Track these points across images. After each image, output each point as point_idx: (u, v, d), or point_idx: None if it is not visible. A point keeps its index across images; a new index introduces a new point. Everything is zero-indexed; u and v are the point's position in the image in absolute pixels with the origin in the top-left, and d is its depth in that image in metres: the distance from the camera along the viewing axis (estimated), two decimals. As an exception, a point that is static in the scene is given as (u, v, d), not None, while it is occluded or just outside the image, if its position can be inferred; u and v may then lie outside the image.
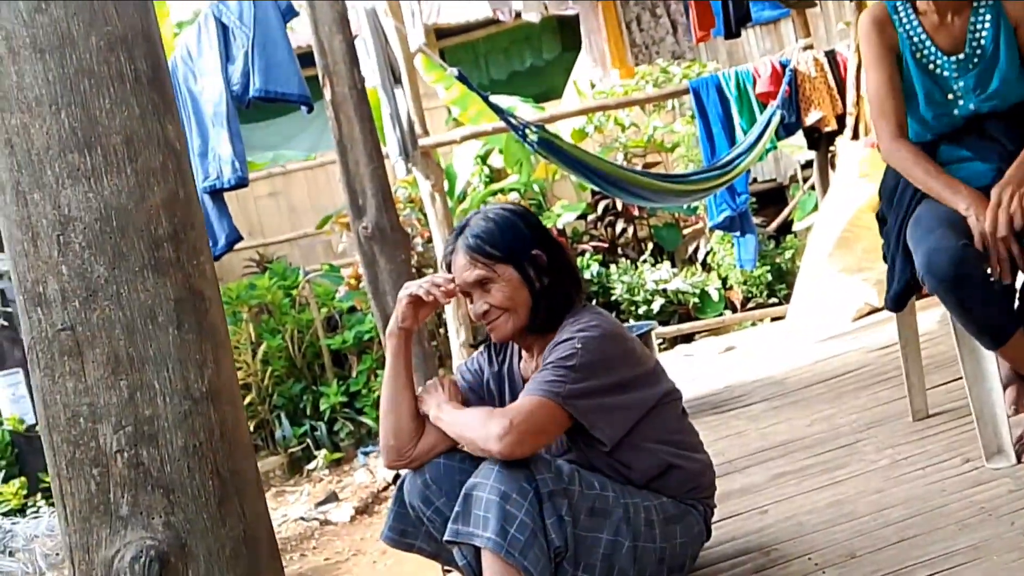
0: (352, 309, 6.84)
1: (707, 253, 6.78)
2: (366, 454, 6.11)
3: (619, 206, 6.83)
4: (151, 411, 1.24)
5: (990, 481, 2.19)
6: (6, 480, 5.76)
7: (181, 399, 1.26)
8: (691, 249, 6.99)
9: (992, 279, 2.14)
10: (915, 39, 2.38)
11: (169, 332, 1.25)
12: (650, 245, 6.94)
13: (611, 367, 1.87)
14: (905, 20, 2.40)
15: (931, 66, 2.36)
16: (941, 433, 2.61)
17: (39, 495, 5.94)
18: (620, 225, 6.95)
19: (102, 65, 1.24)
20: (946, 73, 2.35)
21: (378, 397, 6.30)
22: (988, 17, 2.33)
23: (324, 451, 6.20)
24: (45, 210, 1.22)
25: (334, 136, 3.65)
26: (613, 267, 6.63)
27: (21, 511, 5.77)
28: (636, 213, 6.89)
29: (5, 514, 5.69)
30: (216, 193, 3.98)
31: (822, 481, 2.50)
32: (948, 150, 2.38)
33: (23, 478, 5.82)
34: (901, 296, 2.45)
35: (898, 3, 2.42)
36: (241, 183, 3.84)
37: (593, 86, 7.03)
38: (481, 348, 2.15)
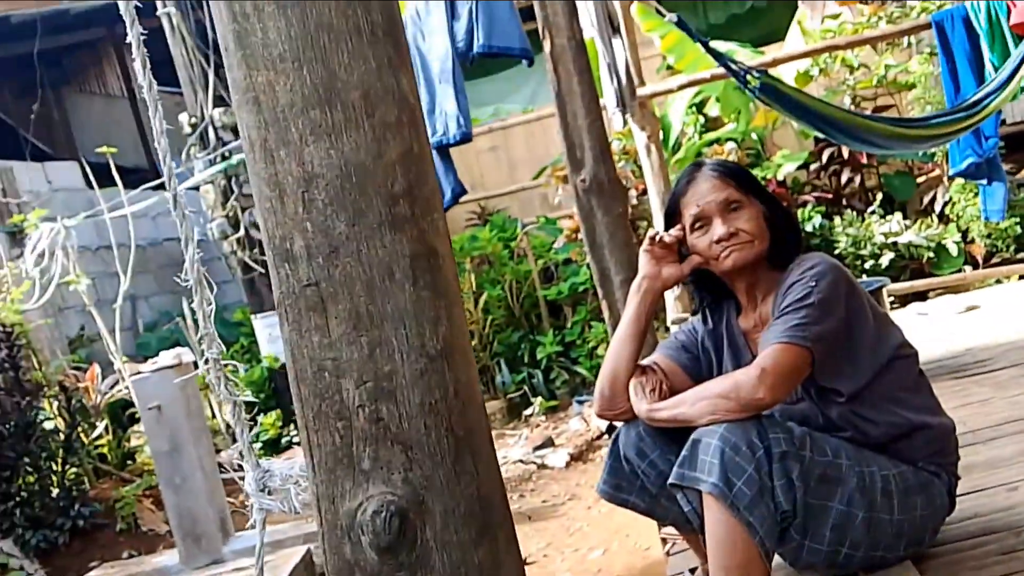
0: (568, 261, 6.94)
1: (945, 203, 6.26)
2: (581, 403, 6.23)
3: (845, 154, 6.43)
4: (390, 367, 1.23)
5: None
6: (265, 412, 6.41)
7: (418, 356, 1.23)
8: (926, 199, 6.48)
9: None
10: None
11: (406, 289, 1.23)
12: (879, 195, 6.50)
13: (847, 305, 1.79)
14: None
15: None
16: None
17: (291, 426, 6.59)
18: (846, 174, 6.55)
19: (340, 19, 1.21)
20: None
21: (592, 348, 6.46)
22: None
23: (540, 398, 6.38)
24: (290, 167, 1.21)
25: (553, 89, 3.69)
26: (837, 219, 6.28)
27: (277, 441, 6.44)
28: (864, 161, 6.47)
29: (264, 443, 6.38)
30: (442, 148, 4.17)
31: None
32: None
33: (279, 411, 6.39)
34: None
35: None
36: (466, 138, 3.99)
37: (823, 21, 6.62)
38: (695, 315, 2.09)
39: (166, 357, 4.25)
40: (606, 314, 4.05)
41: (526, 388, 6.49)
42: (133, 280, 6.56)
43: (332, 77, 1.21)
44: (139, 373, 4.25)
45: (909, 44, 6.61)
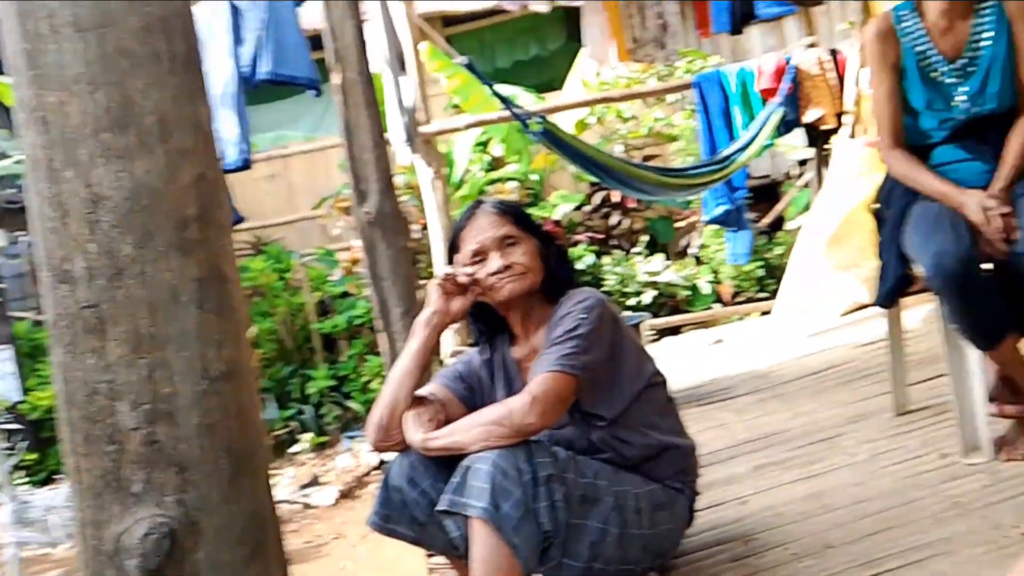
0: (345, 294, 6.84)
1: (699, 247, 6.85)
2: (351, 438, 6.11)
3: (615, 198, 6.88)
4: (169, 389, 1.23)
5: (965, 476, 2.25)
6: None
7: (199, 378, 1.25)
8: (683, 243, 7.06)
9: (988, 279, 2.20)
10: (919, 48, 2.43)
11: (191, 312, 1.24)
12: (644, 237, 7.01)
13: (611, 337, 1.93)
14: (910, 28, 2.44)
15: (933, 74, 2.42)
16: (920, 428, 2.67)
17: (21, 473, 5.96)
18: (615, 217, 7.01)
19: (140, 45, 1.22)
20: (948, 80, 2.40)
21: (366, 382, 6.38)
22: (990, 19, 2.37)
23: (310, 434, 6.23)
24: (77, 188, 1.21)
25: (341, 121, 3.69)
26: (607, 258, 6.69)
27: None
28: (631, 205, 6.95)
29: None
30: (220, 173, 4.01)
31: (802, 473, 2.56)
32: (946, 151, 2.44)
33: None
34: (892, 293, 2.53)
35: (904, 11, 2.45)
36: (245, 165, 3.88)
37: (599, 75, 7.07)
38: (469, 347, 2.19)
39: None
40: (385, 347, 4.04)
41: (295, 424, 6.32)
42: None
43: (128, 101, 1.22)
44: None
45: (675, 100, 7.23)
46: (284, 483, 5.60)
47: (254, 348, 6.43)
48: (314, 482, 5.52)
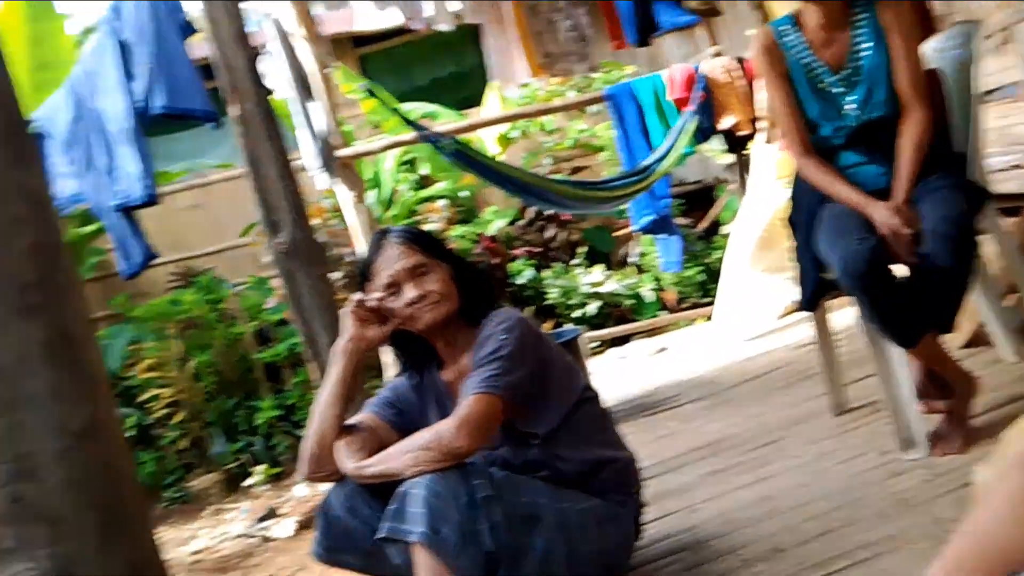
0: (283, 322, 6.70)
1: (639, 255, 6.83)
2: (306, 468, 5.99)
3: (549, 211, 6.83)
4: (29, 448, 1.25)
5: (905, 472, 2.26)
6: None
7: (59, 435, 1.27)
8: (622, 252, 7.03)
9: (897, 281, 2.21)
10: (803, 60, 2.47)
11: (42, 373, 1.27)
12: (583, 248, 6.96)
13: (536, 354, 1.93)
14: (792, 43, 2.48)
15: (820, 85, 2.45)
16: (860, 427, 2.68)
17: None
18: (551, 230, 6.96)
19: None
20: (835, 90, 2.44)
21: (314, 410, 6.23)
22: (866, 29, 2.41)
23: (263, 466, 6.07)
24: None
25: (243, 152, 3.57)
26: (547, 271, 6.63)
27: None
28: (567, 218, 6.91)
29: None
30: (127, 210, 3.86)
31: (750, 478, 2.56)
32: (846, 156, 2.48)
33: None
34: (814, 297, 2.55)
35: (784, 26, 2.50)
36: (151, 200, 3.74)
37: (525, 86, 7.03)
38: (397, 374, 2.16)
39: None
40: (316, 375, 3.92)
41: (247, 456, 6.16)
42: None
43: None
44: None
45: (597, 111, 7.20)
46: (240, 517, 5.45)
47: (195, 381, 6.25)
48: (271, 514, 5.37)
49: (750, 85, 4.55)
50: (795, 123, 2.47)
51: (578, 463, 1.96)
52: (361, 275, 2.06)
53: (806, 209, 2.48)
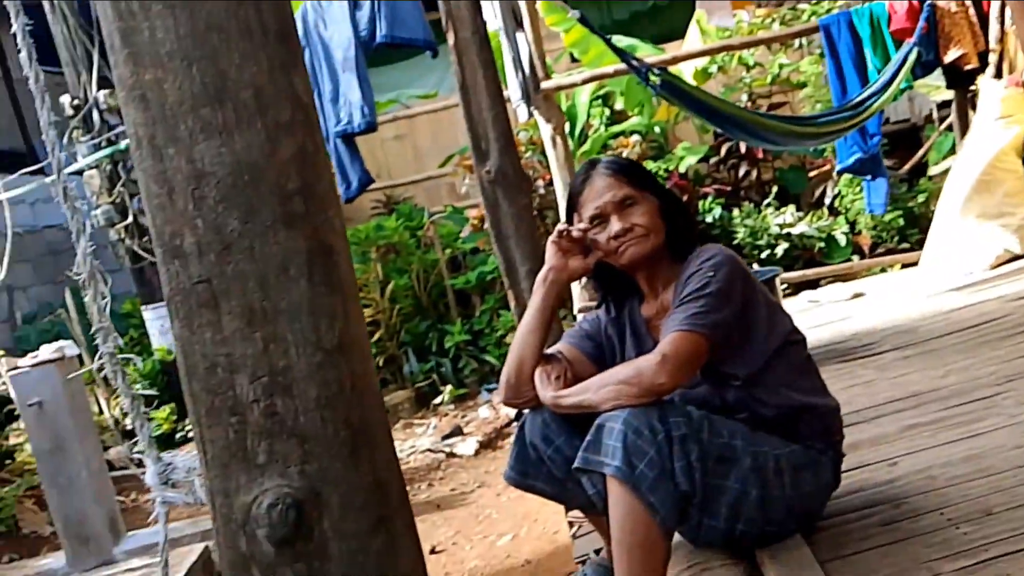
0: (475, 250, 6.95)
1: (834, 197, 6.55)
2: (489, 391, 6.25)
3: (742, 148, 6.65)
4: (285, 362, 1.23)
5: None
6: (158, 406, 6.17)
7: (313, 351, 1.24)
8: (817, 193, 6.77)
9: None
10: None
11: (300, 285, 1.23)
12: (774, 188, 6.76)
13: (743, 293, 1.87)
14: None
15: None
16: None
17: (186, 420, 6.40)
18: (743, 168, 6.77)
19: (230, 20, 1.21)
20: None
21: (500, 336, 6.50)
22: None
23: (449, 387, 6.40)
24: (180, 165, 1.21)
25: (457, 82, 3.71)
26: (736, 211, 6.49)
27: (171, 435, 6.19)
28: (760, 156, 6.71)
29: (158, 438, 6.20)
30: (347, 137, 4.13)
31: (958, 434, 2.43)
32: None
33: (172, 404, 6.19)
34: None
35: None
36: (370, 127, 3.96)
37: (736, 19, 6.83)
38: (596, 307, 2.15)
39: (47, 351, 4.08)
40: (512, 304, 4.09)
41: (435, 377, 6.49)
42: (10, 270, 6.23)
43: (222, 76, 1.21)
44: (17, 368, 4.08)
45: (801, 45, 6.89)
46: (428, 433, 5.76)
47: (392, 304, 6.65)
48: (456, 432, 5.64)
49: (982, 15, 4.23)
50: None
51: (779, 407, 1.91)
52: (568, 206, 2.04)
53: None
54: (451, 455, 5.38)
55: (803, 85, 6.65)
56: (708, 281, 1.83)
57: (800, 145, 5.10)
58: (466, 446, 5.40)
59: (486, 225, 6.55)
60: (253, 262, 1.22)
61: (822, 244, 6.27)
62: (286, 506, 1.20)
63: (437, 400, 6.31)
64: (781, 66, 6.67)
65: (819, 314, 4.66)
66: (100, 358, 1.44)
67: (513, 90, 4.67)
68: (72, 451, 4.08)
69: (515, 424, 5.57)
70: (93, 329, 1.41)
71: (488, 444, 5.47)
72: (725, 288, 1.83)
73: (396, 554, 1.29)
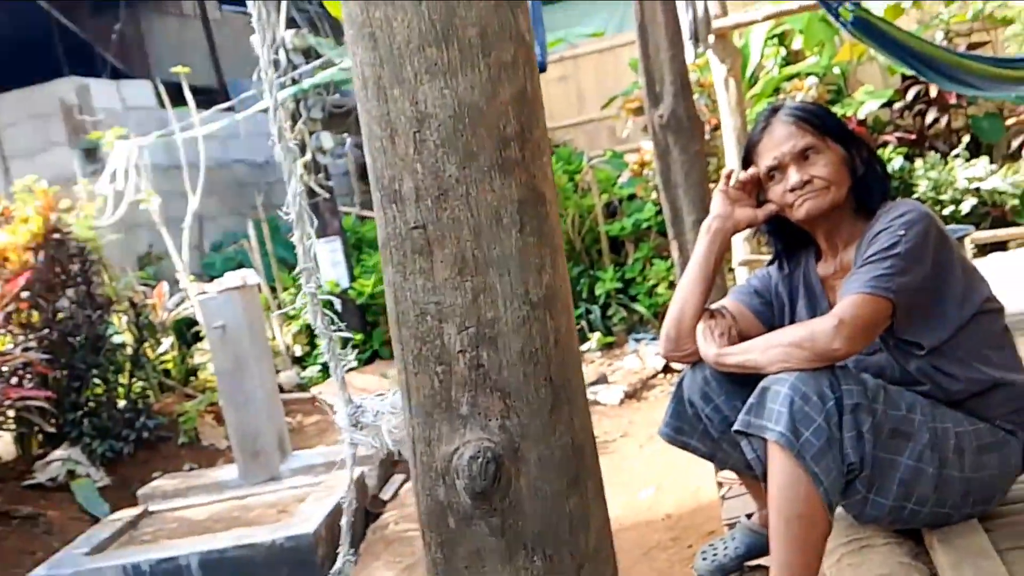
0: (632, 196, 6.83)
1: (1035, 148, 6.00)
2: (637, 340, 6.20)
3: (932, 93, 6.17)
4: (493, 314, 1.21)
5: None
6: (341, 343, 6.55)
7: (521, 303, 1.21)
8: (1015, 144, 6.19)
9: None
10: None
11: (512, 235, 1.20)
12: (965, 138, 6.24)
13: (936, 257, 1.72)
14: None
15: None
16: None
17: (348, 350, 6.70)
18: (932, 114, 6.30)
19: None
20: None
21: (652, 286, 6.39)
22: None
23: (598, 334, 6.37)
24: (403, 107, 1.18)
25: (636, 20, 3.56)
26: (919, 161, 6.05)
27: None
28: (952, 101, 6.19)
29: (323, 368, 6.49)
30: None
31: None
32: None
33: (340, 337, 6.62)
34: None
35: None
36: (541, 68, 3.88)
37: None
38: (769, 263, 2.06)
39: (231, 278, 4.30)
40: (675, 254, 3.97)
41: (583, 324, 6.47)
42: (201, 201, 6.64)
43: (450, 13, 1.17)
44: (205, 293, 4.33)
45: (1010, -23, 6.25)
46: (574, 379, 5.83)
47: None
48: (602, 380, 5.64)
49: None
50: None
51: (966, 382, 1.76)
52: (745, 154, 1.94)
53: None
54: (595, 403, 5.39)
55: (1010, 22, 6.06)
56: (898, 240, 1.69)
57: (1005, 91, 4.63)
58: (611, 394, 5.39)
59: (645, 171, 6.44)
60: (468, 209, 1.19)
61: (1016, 202, 5.75)
62: (486, 459, 1.18)
63: (584, 347, 6.29)
64: (985, 1, 6.09)
65: (1010, 280, 4.29)
66: (304, 297, 1.47)
67: (684, 27, 4.46)
68: (250, 372, 4.31)
69: (661, 377, 5.52)
70: (297, 269, 1.43)
71: (633, 394, 5.44)
72: (916, 249, 1.69)
73: (588, 515, 1.27)
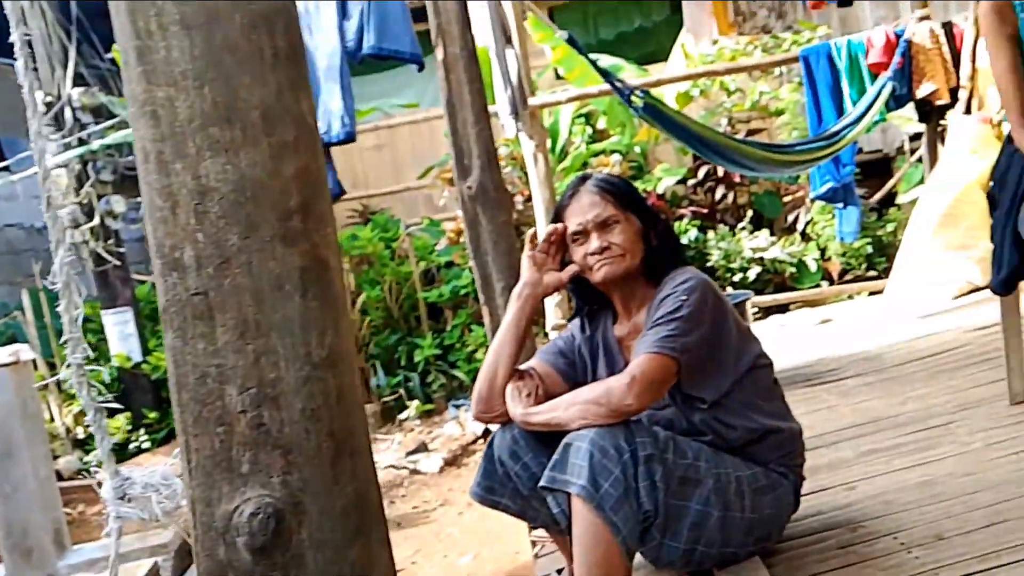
0: (450, 263, 6.92)
1: (807, 223, 6.67)
2: (457, 407, 6.19)
3: (720, 172, 6.74)
4: (275, 374, 1.25)
5: None
6: (111, 415, 6.07)
7: (303, 364, 1.27)
8: (791, 218, 6.87)
9: None
10: None
11: (295, 300, 1.26)
12: (749, 212, 6.85)
13: (714, 319, 1.89)
14: None
15: None
16: None
17: (142, 430, 6.14)
18: (720, 191, 6.87)
19: (244, 42, 1.24)
20: None
21: (471, 352, 6.48)
22: None
23: (416, 402, 6.34)
24: (185, 180, 1.24)
25: (443, 97, 3.72)
26: (711, 233, 6.58)
27: (124, 446, 5.99)
28: (737, 180, 6.80)
29: (114, 449, 6.07)
30: (324, 147, 4.14)
31: (913, 460, 2.49)
32: None
33: (128, 414, 6.07)
34: (1008, 280, 2.43)
35: None
36: (350, 138, 3.96)
37: (715, 43, 6.92)
38: (573, 321, 2.17)
39: (2, 354, 3.98)
40: (487, 319, 4.10)
41: (402, 391, 6.43)
42: (-33, 268, 6.05)
43: (233, 96, 1.24)
44: (-31, 370, 3.97)
45: (781, 73, 7.01)
46: (392, 448, 5.70)
47: (363, 315, 6.59)
48: (421, 449, 5.58)
49: (955, 53, 4.35)
50: (1018, 88, 2.30)
51: (744, 431, 1.93)
52: (554, 216, 2.06)
53: (1013, 184, 2.33)
54: (415, 472, 5.32)
55: (781, 113, 6.78)
56: (680, 305, 1.85)
57: (776, 172, 5.18)
58: (430, 463, 5.34)
59: (462, 238, 6.60)
60: (250, 276, 1.24)
61: (793, 269, 6.37)
62: (267, 515, 1.22)
63: (403, 415, 6.26)
64: (761, 93, 6.79)
65: (787, 339, 4.74)
66: (67, 367, 1.44)
67: (501, 105, 4.70)
68: (20, 459, 3.92)
69: (481, 442, 5.58)
70: (63, 339, 1.41)
71: (453, 461, 5.40)
72: (696, 312, 1.85)
73: (371, 565, 1.31)
